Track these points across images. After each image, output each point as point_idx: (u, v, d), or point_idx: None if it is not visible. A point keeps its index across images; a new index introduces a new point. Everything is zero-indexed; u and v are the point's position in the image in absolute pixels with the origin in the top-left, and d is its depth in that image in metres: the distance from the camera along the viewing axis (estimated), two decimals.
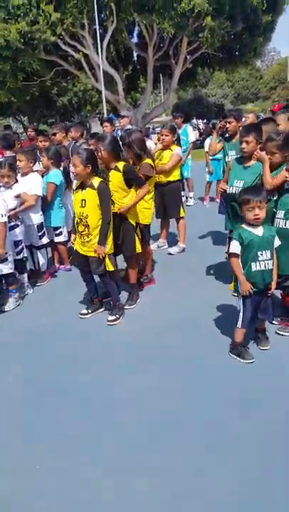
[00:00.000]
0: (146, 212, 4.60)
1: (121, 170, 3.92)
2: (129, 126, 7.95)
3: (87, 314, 4.18)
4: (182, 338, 3.67)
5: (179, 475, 2.30)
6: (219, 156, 5.43)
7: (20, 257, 4.70)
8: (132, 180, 4.01)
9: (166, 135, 5.39)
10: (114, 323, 3.99)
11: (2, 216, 4.16)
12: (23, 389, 3.17)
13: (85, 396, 3.02)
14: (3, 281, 4.58)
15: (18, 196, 4.61)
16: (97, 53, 16.75)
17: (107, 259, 3.93)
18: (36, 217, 4.93)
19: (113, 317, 4.01)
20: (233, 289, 4.08)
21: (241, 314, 3.21)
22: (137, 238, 4.19)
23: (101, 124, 8.63)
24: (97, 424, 2.73)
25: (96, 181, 3.78)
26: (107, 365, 3.38)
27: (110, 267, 3.98)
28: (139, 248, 4.21)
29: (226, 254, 3.28)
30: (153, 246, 5.68)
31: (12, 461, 2.50)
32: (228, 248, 3.31)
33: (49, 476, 2.37)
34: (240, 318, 3.21)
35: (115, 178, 3.95)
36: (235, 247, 3.12)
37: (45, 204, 5.09)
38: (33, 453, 2.54)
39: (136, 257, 4.32)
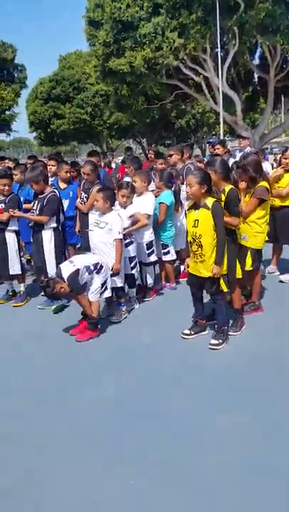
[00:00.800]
0: (259, 236, 4.46)
1: (226, 193, 3.92)
2: (248, 149, 7.85)
3: (189, 335, 4.15)
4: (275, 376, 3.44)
5: None
6: None
7: (134, 271, 4.92)
8: (230, 206, 3.94)
9: None
10: (218, 347, 3.89)
11: (119, 233, 4.43)
12: (111, 407, 3.19)
13: (173, 421, 2.97)
14: (114, 294, 4.80)
15: (131, 216, 4.84)
16: (218, 76, 16.96)
17: (221, 280, 3.89)
18: (147, 235, 5.09)
19: (216, 341, 3.92)
20: None
21: None
22: (238, 263, 4.11)
23: (212, 147, 8.75)
24: (181, 449, 2.68)
25: (210, 201, 3.79)
26: (200, 390, 3.30)
27: (224, 288, 3.94)
28: (239, 274, 4.12)
29: None
30: (263, 272, 5.46)
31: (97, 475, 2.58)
32: None
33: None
34: None
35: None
36: None
37: (157, 224, 5.26)
38: (118, 472, 2.57)
39: (238, 281, 4.19)
